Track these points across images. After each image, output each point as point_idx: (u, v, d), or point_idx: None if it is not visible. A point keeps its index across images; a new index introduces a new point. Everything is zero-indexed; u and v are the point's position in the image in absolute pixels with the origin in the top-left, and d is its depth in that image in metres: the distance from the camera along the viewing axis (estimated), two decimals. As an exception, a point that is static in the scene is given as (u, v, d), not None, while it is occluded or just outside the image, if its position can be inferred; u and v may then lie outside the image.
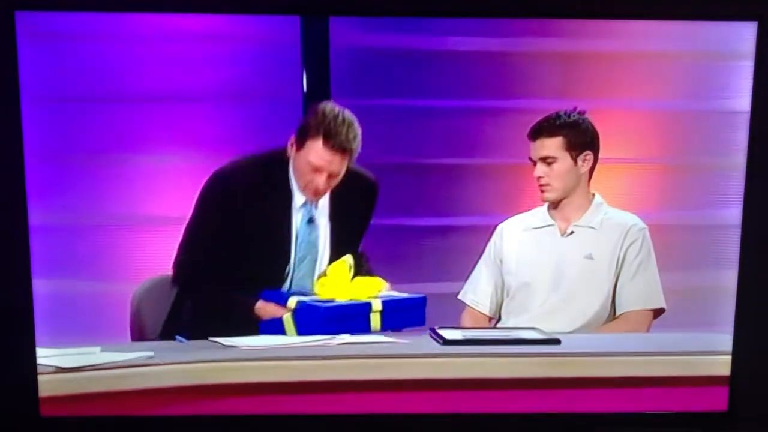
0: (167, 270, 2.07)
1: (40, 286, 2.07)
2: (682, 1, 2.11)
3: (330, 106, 1.99)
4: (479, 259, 2.13)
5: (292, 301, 2.04)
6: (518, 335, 2.04)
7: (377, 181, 2.08)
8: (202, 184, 2.03)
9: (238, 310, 2.06)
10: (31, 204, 2.08)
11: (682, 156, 2.09)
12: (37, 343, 2.08)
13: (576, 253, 2.06)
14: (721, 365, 2.03)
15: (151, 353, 1.90)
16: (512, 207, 2.11)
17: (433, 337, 2.00)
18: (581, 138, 2.01)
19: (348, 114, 1.98)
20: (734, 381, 2.16)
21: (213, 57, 2.05)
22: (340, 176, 2.03)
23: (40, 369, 2.01)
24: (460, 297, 2.13)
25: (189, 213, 2.05)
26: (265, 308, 2.04)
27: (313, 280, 2.08)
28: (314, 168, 2.00)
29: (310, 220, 2.08)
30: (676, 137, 2.10)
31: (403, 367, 1.92)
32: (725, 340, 2.05)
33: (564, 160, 2.02)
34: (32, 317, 2.16)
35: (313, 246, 2.09)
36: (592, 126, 2.02)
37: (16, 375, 2.15)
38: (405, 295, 2.06)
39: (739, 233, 2.12)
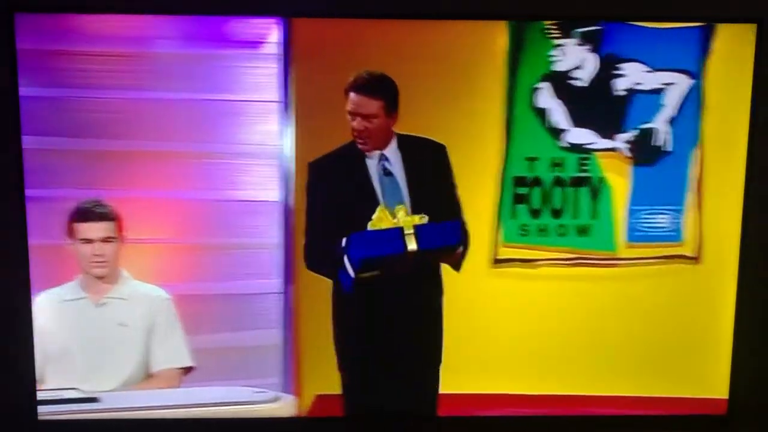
0: None
1: None
2: (682, 3, 2.24)
3: (362, 71, 2.30)
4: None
5: (344, 240, 2.31)
6: (60, 395, 2.30)
7: (443, 145, 2.35)
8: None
9: None
10: None
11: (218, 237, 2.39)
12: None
13: (110, 321, 2.36)
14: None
15: None
16: (45, 283, 2.33)
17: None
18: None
19: (377, 72, 2.30)
20: (734, 383, 2.39)
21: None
22: (378, 119, 2.32)
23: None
24: (4, 365, 2.33)
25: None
26: None
27: None
28: (350, 113, 2.29)
29: (386, 173, 2.33)
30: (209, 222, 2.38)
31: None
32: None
33: (115, 243, 2.34)
34: (31, 319, 2.27)
35: (398, 196, 2.34)
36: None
37: (14, 378, 2.27)
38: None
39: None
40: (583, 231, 2.41)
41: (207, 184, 2.35)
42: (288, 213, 2.37)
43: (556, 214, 2.40)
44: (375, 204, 2.34)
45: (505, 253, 2.41)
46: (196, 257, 2.39)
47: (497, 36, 2.29)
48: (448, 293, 2.41)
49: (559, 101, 2.33)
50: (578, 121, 2.35)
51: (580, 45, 2.29)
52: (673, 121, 2.33)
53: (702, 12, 2.26)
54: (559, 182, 2.38)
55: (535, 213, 2.40)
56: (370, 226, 2.33)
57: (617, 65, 2.30)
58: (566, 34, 2.29)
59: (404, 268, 2.35)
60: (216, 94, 2.31)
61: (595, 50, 2.30)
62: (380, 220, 2.33)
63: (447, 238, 2.35)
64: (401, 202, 2.34)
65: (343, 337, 2.42)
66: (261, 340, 2.43)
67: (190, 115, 2.31)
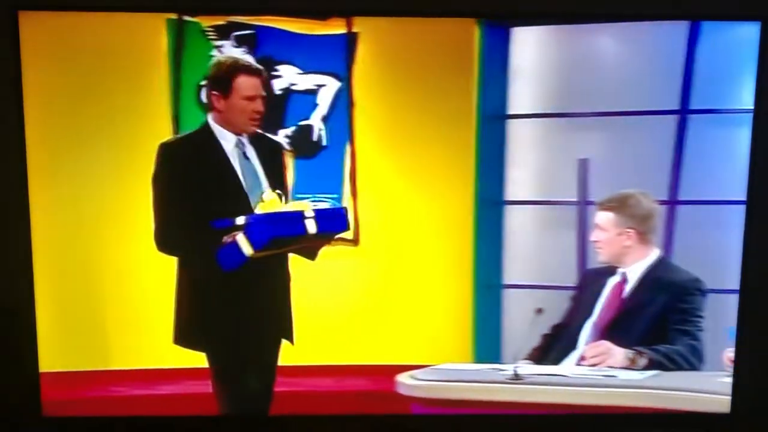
0: None
1: None
2: (685, 0, 2.22)
3: (223, 56, 2.42)
4: None
5: (240, 219, 2.34)
6: None
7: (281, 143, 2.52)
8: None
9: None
10: None
11: None
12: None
13: None
14: None
15: None
16: None
17: None
18: None
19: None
20: (737, 383, 2.40)
21: None
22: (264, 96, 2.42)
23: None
24: None
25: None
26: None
27: None
28: (250, 98, 2.37)
29: (245, 156, 2.42)
30: None
31: None
32: None
33: None
34: (34, 317, 2.31)
35: (256, 178, 2.43)
36: None
37: (18, 375, 2.32)
38: (328, 205, 2.49)
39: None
40: (255, 217, 2.60)
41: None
42: None
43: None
44: (236, 186, 2.44)
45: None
46: None
47: (157, 34, 2.45)
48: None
49: (223, 98, 2.52)
50: (243, 117, 2.54)
51: (236, 47, 2.49)
52: (326, 119, 2.58)
53: (704, 10, 2.31)
54: (228, 172, 2.57)
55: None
56: (260, 208, 2.42)
57: (274, 67, 2.52)
58: (224, 37, 2.48)
59: (292, 250, 2.47)
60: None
61: (251, 52, 2.51)
62: (272, 203, 2.42)
63: (339, 224, 2.50)
64: (260, 186, 2.46)
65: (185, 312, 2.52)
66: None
67: None
